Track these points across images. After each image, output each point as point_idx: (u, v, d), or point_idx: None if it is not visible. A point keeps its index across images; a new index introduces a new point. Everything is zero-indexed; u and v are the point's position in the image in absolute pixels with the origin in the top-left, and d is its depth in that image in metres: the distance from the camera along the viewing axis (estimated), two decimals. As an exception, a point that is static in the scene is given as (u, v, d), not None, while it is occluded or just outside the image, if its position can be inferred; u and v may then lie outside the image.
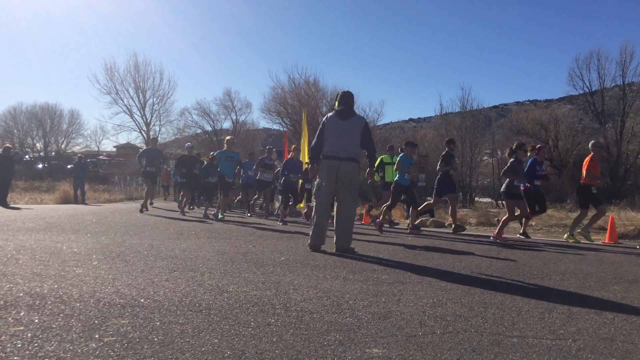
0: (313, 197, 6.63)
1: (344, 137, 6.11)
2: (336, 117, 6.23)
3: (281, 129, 44.39)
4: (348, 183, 6.10)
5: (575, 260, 6.01)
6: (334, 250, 5.90)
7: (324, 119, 6.41)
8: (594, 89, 38.67)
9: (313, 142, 6.41)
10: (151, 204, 13.95)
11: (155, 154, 14.20)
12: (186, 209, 13.91)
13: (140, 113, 47.59)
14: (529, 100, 78.92)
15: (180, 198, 14.30)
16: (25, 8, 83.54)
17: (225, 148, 12.35)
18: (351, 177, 6.12)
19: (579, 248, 7.66)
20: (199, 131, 50.15)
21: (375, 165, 9.51)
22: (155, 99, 47.67)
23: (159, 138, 48.13)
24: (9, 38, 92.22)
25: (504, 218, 8.58)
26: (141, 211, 12.69)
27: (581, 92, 40.18)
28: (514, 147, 8.96)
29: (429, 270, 4.88)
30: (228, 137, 12.77)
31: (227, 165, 11.93)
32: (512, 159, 8.78)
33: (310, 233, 6.13)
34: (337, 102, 6.49)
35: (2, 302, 2.92)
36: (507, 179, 8.64)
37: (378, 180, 11.51)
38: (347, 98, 6.38)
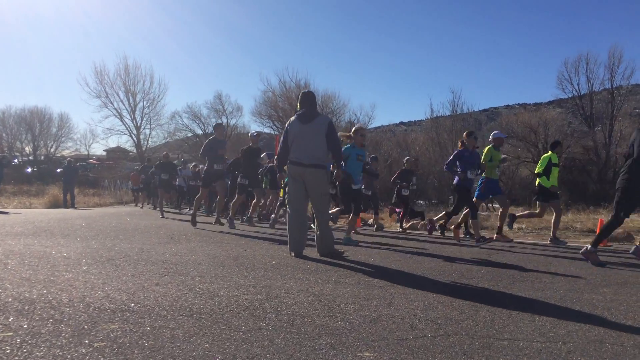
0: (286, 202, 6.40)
1: (306, 143, 5.90)
2: (298, 121, 5.98)
3: (272, 132, 44.40)
4: (316, 190, 5.96)
5: (564, 263, 6.04)
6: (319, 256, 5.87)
7: (287, 124, 6.15)
8: (582, 93, 39.07)
9: (279, 148, 6.19)
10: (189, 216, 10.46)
11: (221, 146, 10.11)
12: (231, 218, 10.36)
13: (131, 116, 47.54)
14: (518, 104, 79.41)
15: (233, 203, 10.81)
16: (14, 10, 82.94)
17: (351, 142, 8.13)
18: (318, 184, 5.95)
19: (568, 251, 7.70)
20: (189, 135, 50.10)
21: (541, 168, 8.82)
22: (145, 103, 47.67)
23: (148, 142, 47.88)
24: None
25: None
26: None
27: (570, 95, 40.56)
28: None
29: (420, 273, 4.89)
30: (357, 126, 8.77)
31: (356, 167, 8.07)
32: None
33: (288, 240, 5.98)
34: (298, 104, 6.20)
35: (-10, 308, 2.89)
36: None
37: (548, 186, 8.92)
38: (307, 99, 6.09)
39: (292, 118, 6.12)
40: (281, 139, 6.16)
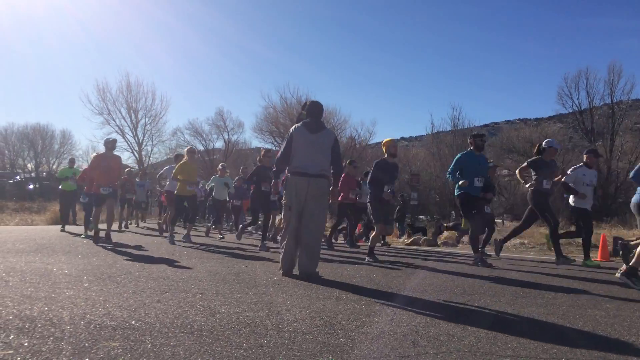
0: (282, 218, 6.12)
1: (314, 152, 5.67)
2: (305, 130, 5.73)
3: (273, 148, 44.51)
4: (317, 198, 5.65)
5: (566, 279, 6.02)
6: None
7: (291, 130, 5.83)
8: (583, 108, 39.16)
9: (279, 154, 5.88)
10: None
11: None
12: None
13: (133, 133, 47.52)
14: (519, 119, 79.68)
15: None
16: (17, 29, 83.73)
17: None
18: (321, 194, 5.69)
19: (571, 267, 7.67)
20: (191, 151, 49.98)
21: None
22: (147, 119, 47.58)
23: (150, 158, 47.87)
24: (0, 59, 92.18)
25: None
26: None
27: (570, 110, 40.68)
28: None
29: (422, 289, 4.87)
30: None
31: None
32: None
33: (281, 258, 5.69)
34: (305, 112, 5.93)
35: (-9, 326, 2.88)
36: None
37: None
38: (315, 109, 5.87)
39: (298, 125, 5.83)
40: (283, 144, 5.89)
